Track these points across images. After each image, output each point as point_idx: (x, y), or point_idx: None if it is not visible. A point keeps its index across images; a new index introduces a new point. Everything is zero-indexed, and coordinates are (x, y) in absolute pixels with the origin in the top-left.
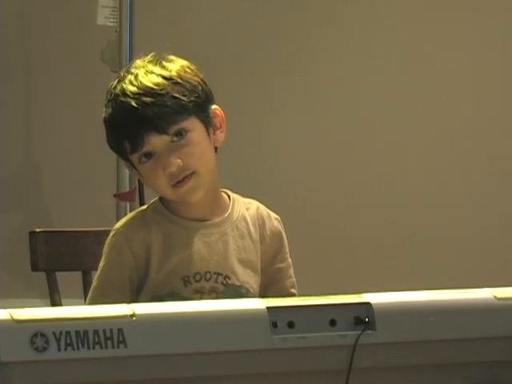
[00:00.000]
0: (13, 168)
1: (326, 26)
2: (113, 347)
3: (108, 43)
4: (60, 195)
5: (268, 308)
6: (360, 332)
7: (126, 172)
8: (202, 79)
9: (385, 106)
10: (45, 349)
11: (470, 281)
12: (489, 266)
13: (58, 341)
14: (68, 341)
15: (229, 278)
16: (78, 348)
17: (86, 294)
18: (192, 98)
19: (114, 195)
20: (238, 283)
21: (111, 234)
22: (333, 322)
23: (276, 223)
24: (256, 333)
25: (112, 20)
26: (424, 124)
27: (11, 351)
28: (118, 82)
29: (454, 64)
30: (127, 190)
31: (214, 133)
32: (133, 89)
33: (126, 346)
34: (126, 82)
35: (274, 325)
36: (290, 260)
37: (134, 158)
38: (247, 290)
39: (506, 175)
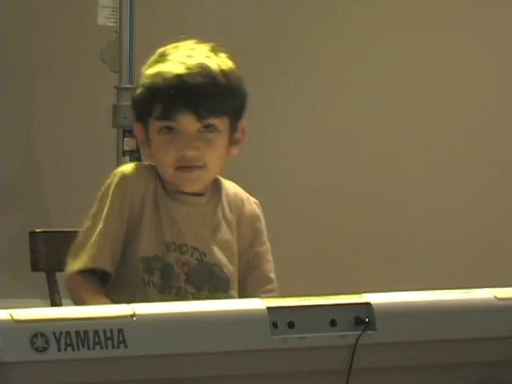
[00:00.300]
0: (13, 168)
1: (326, 26)
2: (113, 347)
3: (108, 43)
4: (60, 195)
5: (268, 308)
6: (360, 332)
7: None
8: (246, 91)
9: (385, 106)
10: (45, 349)
11: (470, 281)
12: (489, 266)
13: (58, 341)
14: (68, 341)
15: (204, 255)
16: (78, 348)
17: None
18: (235, 102)
19: None
20: (212, 261)
21: (115, 175)
22: (333, 322)
23: (255, 207)
24: (256, 333)
25: (112, 20)
26: (424, 124)
27: (11, 351)
28: (175, 47)
29: (454, 64)
30: None
31: (230, 144)
32: (190, 62)
33: (126, 346)
34: (183, 52)
35: (274, 325)
36: (268, 244)
37: (156, 124)
38: (220, 270)
39: (505, 175)
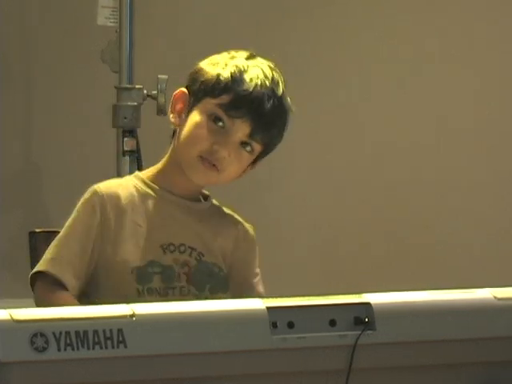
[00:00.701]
0: (13, 168)
1: (326, 26)
2: (113, 347)
3: (108, 43)
4: (60, 195)
5: (268, 308)
6: (360, 332)
7: (126, 172)
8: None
9: (384, 107)
10: (45, 349)
11: (470, 281)
12: (489, 266)
13: (57, 341)
14: (68, 341)
15: (203, 255)
16: (77, 348)
17: None
18: (278, 140)
19: None
20: (210, 261)
21: (88, 191)
22: (332, 322)
23: (251, 232)
24: (256, 333)
25: (112, 20)
26: (425, 126)
27: (11, 351)
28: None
29: (457, 62)
30: None
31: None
32: (276, 85)
33: (125, 346)
34: (274, 73)
35: (274, 325)
36: (259, 273)
37: (211, 107)
38: (220, 269)
39: (505, 175)
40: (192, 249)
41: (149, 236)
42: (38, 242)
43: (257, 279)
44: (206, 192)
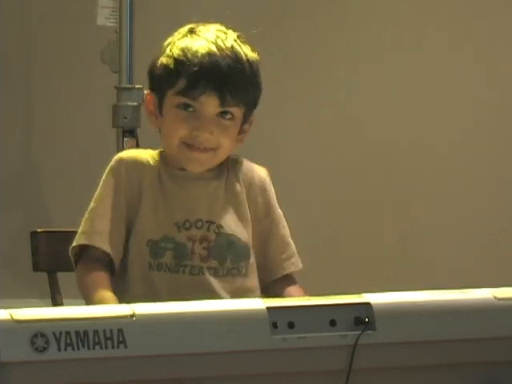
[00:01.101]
0: (13, 168)
1: (326, 25)
2: (113, 347)
3: (108, 43)
4: (60, 195)
5: (268, 308)
6: (360, 332)
7: None
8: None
9: (384, 107)
10: (45, 349)
11: (469, 281)
12: (489, 266)
13: (58, 341)
14: (68, 341)
15: (221, 227)
16: (78, 348)
17: None
18: (255, 94)
19: None
20: (229, 232)
21: (113, 160)
22: (333, 323)
23: (264, 175)
24: (256, 333)
25: (112, 20)
26: (425, 126)
27: (11, 351)
28: (205, 25)
29: (456, 61)
30: None
31: (239, 133)
32: (221, 44)
33: (126, 347)
34: (214, 32)
35: (274, 325)
36: (280, 210)
37: (175, 99)
38: (238, 239)
39: (506, 175)
40: (210, 222)
41: (165, 211)
42: (39, 242)
43: (276, 214)
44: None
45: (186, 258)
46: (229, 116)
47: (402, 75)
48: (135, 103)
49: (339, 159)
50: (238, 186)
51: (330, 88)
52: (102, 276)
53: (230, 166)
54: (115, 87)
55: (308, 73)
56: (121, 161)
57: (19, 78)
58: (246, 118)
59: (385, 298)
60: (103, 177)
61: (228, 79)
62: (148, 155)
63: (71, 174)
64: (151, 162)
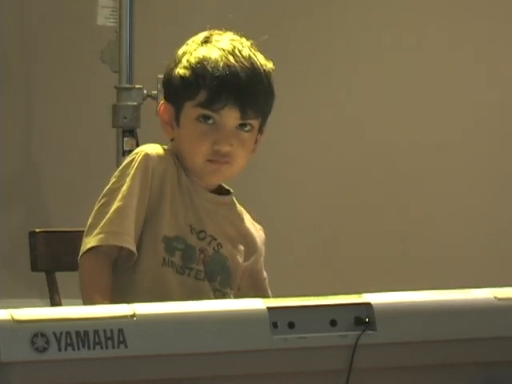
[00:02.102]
0: (13, 168)
1: (326, 24)
2: (113, 347)
3: (108, 43)
4: (60, 195)
5: (268, 308)
6: (360, 332)
7: None
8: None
9: (385, 107)
10: (45, 349)
11: (470, 281)
12: (489, 266)
13: (58, 341)
14: (68, 341)
15: (221, 247)
16: (78, 348)
17: None
18: (271, 103)
19: None
20: (225, 254)
21: (138, 154)
22: (333, 323)
23: (262, 233)
24: (256, 333)
25: (112, 20)
26: (425, 126)
27: (11, 351)
28: (219, 34)
29: (457, 61)
30: None
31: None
32: (239, 54)
33: (126, 347)
34: (231, 41)
35: (275, 325)
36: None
37: (195, 111)
38: (230, 264)
39: (506, 175)
40: (212, 238)
41: (181, 212)
42: (37, 242)
43: (266, 282)
44: (226, 186)
45: (193, 260)
46: (248, 128)
47: (402, 75)
48: (135, 103)
49: (339, 159)
50: (242, 225)
51: (330, 88)
52: (106, 282)
53: (238, 205)
54: (115, 87)
55: (308, 73)
56: (147, 157)
57: (19, 77)
58: (261, 129)
59: (385, 297)
60: (128, 169)
61: (248, 91)
62: (169, 154)
63: (71, 174)
64: (172, 162)
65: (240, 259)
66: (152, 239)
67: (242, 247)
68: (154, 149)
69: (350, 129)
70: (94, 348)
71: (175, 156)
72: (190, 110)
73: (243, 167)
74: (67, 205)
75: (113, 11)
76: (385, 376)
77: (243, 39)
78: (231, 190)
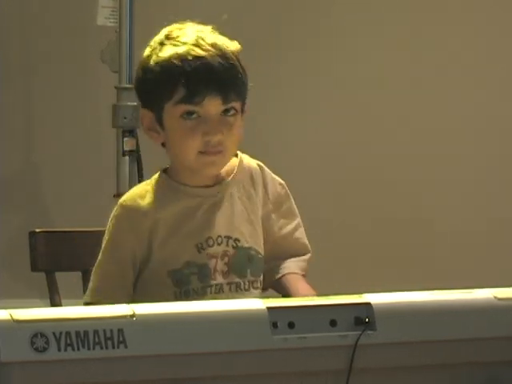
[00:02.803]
0: (13, 168)
1: (326, 23)
2: (113, 347)
3: (108, 43)
4: (60, 195)
5: (268, 308)
6: (360, 332)
7: (126, 172)
8: None
9: (385, 107)
10: (45, 349)
11: (470, 281)
12: (489, 266)
13: (58, 341)
14: (68, 341)
15: (238, 241)
16: (78, 348)
17: None
18: (247, 82)
19: (114, 195)
20: (246, 245)
21: (115, 208)
22: (333, 323)
23: (279, 189)
24: (256, 333)
25: (112, 20)
26: (425, 126)
27: (11, 351)
28: (179, 28)
29: (458, 60)
30: (127, 190)
31: None
32: (204, 43)
33: (126, 347)
34: (192, 33)
35: (275, 325)
36: (296, 221)
37: (177, 109)
38: (256, 252)
39: (506, 175)
40: (228, 238)
41: (183, 236)
42: (37, 242)
43: (290, 227)
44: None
45: (209, 278)
46: (232, 112)
47: (402, 75)
48: (135, 103)
49: (338, 159)
50: (258, 193)
51: (330, 88)
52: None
53: (247, 169)
54: (115, 87)
55: (308, 73)
56: (122, 207)
57: (19, 77)
58: (243, 110)
59: (385, 298)
60: (109, 225)
61: (224, 77)
62: (151, 185)
63: (71, 174)
64: (158, 190)
65: (260, 242)
66: (156, 279)
67: (258, 228)
68: (132, 193)
69: (350, 128)
70: (93, 348)
71: (161, 176)
72: (171, 110)
73: (235, 151)
74: (67, 205)
75: (113, 11)
76: (385, 376)
77: (202, 26)
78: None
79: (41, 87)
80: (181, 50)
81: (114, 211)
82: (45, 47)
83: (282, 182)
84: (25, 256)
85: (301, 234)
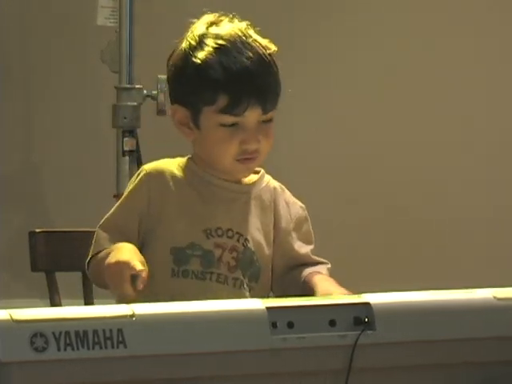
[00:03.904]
0: (13, 168)
1: (327, 22)
2: (112, 347)
3: (108, 43)
4: (60, 195)
5: (267, 308)
6: (359, 332)
7: (126, 172)
8: None
9: (384, 107)
10: (44, 349)
11: (469, 281)
12: (489, 266)
13: (57, 341)
14: (68, 341)
15: (248, 242)
16: (77, 348)
17: (86, 295)
18: (281, 89)
19: (114, 195)
20: (252, 249)
21: (138, 171)
22: (332, 323)
23: (301, 211)
24: (256, 333)
25: (112, 20)
26: (425, 126)
27: (11, 351)
28: (215, 24)
29: (459, 62)
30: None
31: None
32: (248, 49)
33: (125, 346)
34: (237, 34)
35: (274, 325)
36: (312, 247)
37: (217, 117)
38: (257, 259)
39: (506, 175)
40: (240, 234)
41: (193, 218)
42: (37, 242)
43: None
44: (257, 168)
45: (212, 265)
46: (270, 121)
47: (402, 75)
48: (135, 103)
49: (338, 159)
50: (272, 210)
51: (330, 88)
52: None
53: (268, 184)
54: (115, 87)
55: (308, 73)
56: (143, 172)
57: (19, 77)
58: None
59: (384, 298)
60: (128, 185)
61: (265, 87)
62: (176, 162)
63: (71, 174)
64: (177, 172)
65: (267, 250)
66: (159, 252)
67: (269, 236)
68: (157, 163)
69: (350, 128)
70: (93, 348)
71: (189, 161)
72: (211, 116)
73: (265, 157)
74: (67, 205)
75: (113, 11)
76: (384, 376)
77: (241, 26)
78: (261, 170)
79: (41, 87)
80: (224, 55)
81: (136, 175)
82: (45, 47)
83: (303, 205)
84: (25, 256)
85: (317, 257)
